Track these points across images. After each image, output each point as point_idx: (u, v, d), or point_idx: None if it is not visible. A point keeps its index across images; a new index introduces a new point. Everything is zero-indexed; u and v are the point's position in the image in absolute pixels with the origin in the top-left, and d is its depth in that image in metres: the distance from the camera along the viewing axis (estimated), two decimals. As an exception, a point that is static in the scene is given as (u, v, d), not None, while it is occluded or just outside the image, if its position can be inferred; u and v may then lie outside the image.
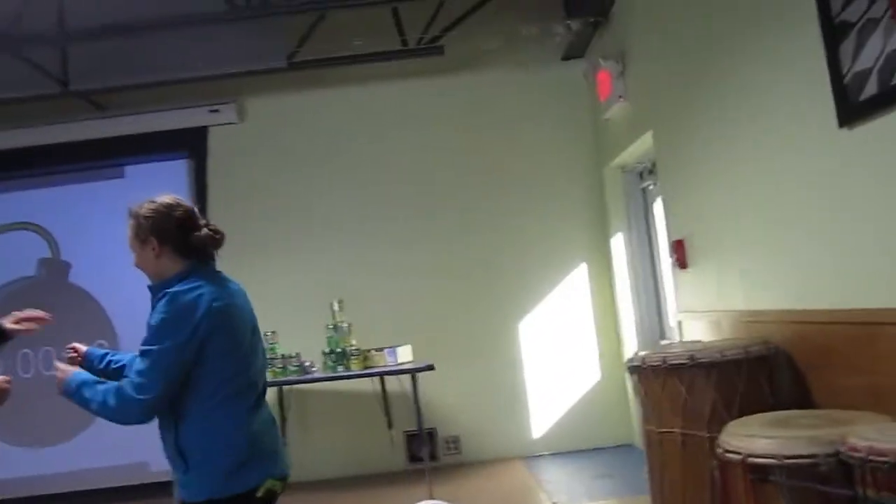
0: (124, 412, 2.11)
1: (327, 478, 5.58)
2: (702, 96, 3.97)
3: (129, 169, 6.40)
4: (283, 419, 5.57)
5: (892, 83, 2.40)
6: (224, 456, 2.11)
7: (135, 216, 2.26)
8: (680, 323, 4.67)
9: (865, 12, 2.50)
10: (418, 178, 6.23)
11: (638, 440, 5.31)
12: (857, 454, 2.08)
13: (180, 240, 2.22)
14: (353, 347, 5.12)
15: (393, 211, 6.20)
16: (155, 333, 2.10)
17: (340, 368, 5.08)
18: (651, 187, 5.60)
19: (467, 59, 6.08)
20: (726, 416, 2.92)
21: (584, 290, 6.19)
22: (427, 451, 5.00)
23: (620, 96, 5.23)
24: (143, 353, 2.11)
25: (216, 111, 6.24)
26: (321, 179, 6.24)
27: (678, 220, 4.60)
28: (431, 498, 4.04)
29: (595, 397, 6.09)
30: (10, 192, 6.43)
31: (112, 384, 2.15)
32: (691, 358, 3.09)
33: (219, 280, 2.27)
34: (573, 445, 5.99)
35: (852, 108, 2.64)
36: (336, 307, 5.23)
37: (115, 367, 2.44)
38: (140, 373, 2.09)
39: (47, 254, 6.37)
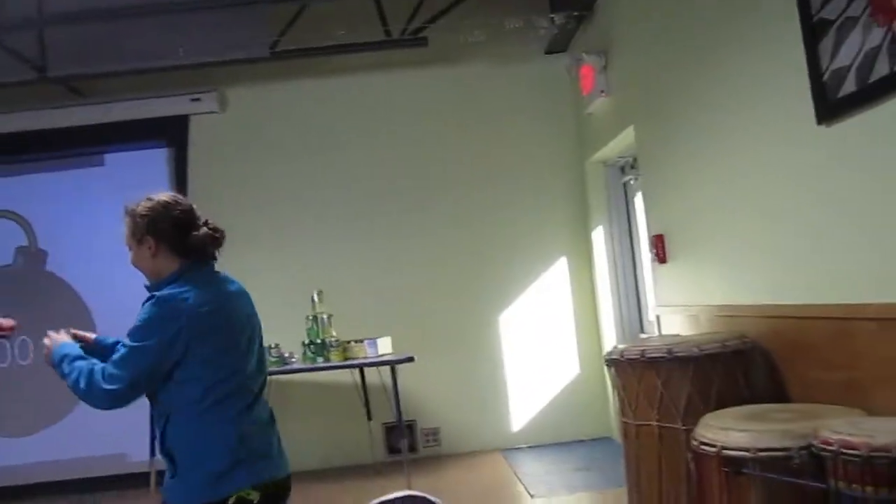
0: (91, 397, 2.10)
1: (305, 469, 5.54)
2: (683, 92, 3.99)
3: (108, 157, 6.35)
4: (262, 410, 5.54)
5: (870, 81, 2.43)
6: (207, 464, 2.08)
7: (131, 214, 2.22)
8: (658, 317, 4.71)
9: (844, 10, 2.52)
10: (399, 170, 6.22)
11: (616, 433, 5.34)
12: (829, 448, 2.11)
13: (177, 239, 2.18)
14: (333, 339, 5.11)
15: (374, 203, 6.19)
16: (136, 332, 2.09)
17: (320, 360, 5.07)
18: (632, 182, 5.62)
19: (451, 52, 6.06)
20: (702, 409, 2.95)
21: (565, 284, 6.21)
22: (406, 442, 5.00)
23: (603, 91, 5.24)
24: (123, 346, 2.11)
25: (197, 100, 6.18)
26: (302, 170, 6.21)
27: (658, 214, 4.63)
28: (409, 489, 4.04)
29: (574, 390, 6.13)
30: (-14, 179, 6.35)
31: (89, 365, 2.13)
32: (669, 352, 3.11)
33: (214, 281, 2.22)
34: (552, 438, 6.02)
35: (831, 105, 2.67)
36: (316, 298, 5.22)
37: None
38: (114, 363, 2.09)
39: (24, 242, 6.30)
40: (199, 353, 2.08)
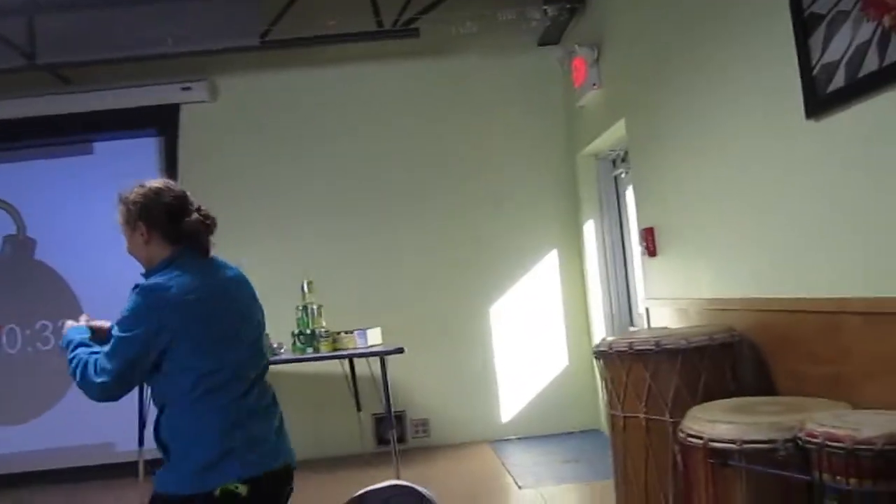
0: (84, 388, 2.11)
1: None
2: (673, 85, 3.99)
3: (97, 145, 6.31)
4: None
5: (860, 76, 2.43)
6: (196, 454, 2.06)
7: (124, 202, 2.21)
8: (648, 310, 4.72)
9: (835, 5, 2.52)
10: (390, 161, 6.21)
11: (605, 425, 5.36)
12: (814, 440, 2.13)
13: (170, 226, 2.17)
14: (323, 329, 5.10)
15: (365, 193, 6.18)
16: (122, 322, 2.08)
17: (309, 350, 5.06)
18: (623, 175, 5.63)
19: (443, 43, 6.04)
20: (690, 401, 2.96)
21: (555, 276, 6.23)
22: (395, 433, 5.01)
23: (594, 84, 5.24)
24: (111, 338, 2.10)
25: (188, 89, 6.14)
26: (293, 160, 6.20)
27: (648, 208, 4.64)
28: (398, 480, 4.05)
29: (563, 383, 6.15)
30: (-26, 167, 6.31)
31: (87, 355, 2.13)
32: (657, 344, 3.12)
33: (207, 268, 2.19)
34: (541, 430, 6.04)
35: (820, 99, 2.67)
36: (306, 288, 5.20)
37: None
38: (105, 354, 2.09)
39: (12, 230, 6.26)
40: (186, 342, 2.06)
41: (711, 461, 2.42)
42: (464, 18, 5.57)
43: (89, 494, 5.56)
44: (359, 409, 5.78)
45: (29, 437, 5.96)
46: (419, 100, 6.25)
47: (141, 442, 4.98)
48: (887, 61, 2.29)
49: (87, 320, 2.40)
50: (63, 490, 5.67)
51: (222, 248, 2.32)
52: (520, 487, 4.74)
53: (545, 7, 5.56)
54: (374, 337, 5.15)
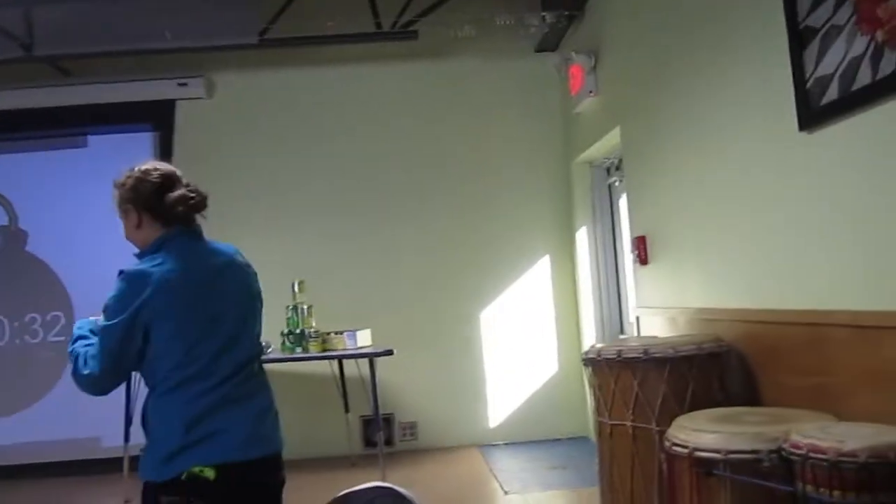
0: (77, 381, 2.10)
1: (281, 459, 5.54)
2: (669, 95, 4.00)
3: (92, 139, 6.30)
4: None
5: (853, 89, 2.44)
6: (162, 443, 2.04)
7: (115, 186, 2.19)
8: (638, 318, 4.72)
9: (830, 18, 2.53)
10: (385, 162, 6.21)
11: (593, 433, 5.36)
12: (798, 451, 2.13)
13: (158, 206, 2.13)
14: (313, 329, 5.09)
15: (359, 194, 6.18)
16: (106, 310, 2.06)
17: (298, 350, 5.06)
18: (617, 183, 5.64)
19: (441, 46, 6.05)
20: (677, 410, 2.96)
21: (547, 282, 6.23)
22: (382, 436, 5.00)
23: (591, 91, 5.25)
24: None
25: (184, 85, 6.13)
26: (288, 159, 6.19)
27: (641, 216, 4.64)
28: (384, 482, 4.04)
29: (553, 389, 6.15)
30: (-32, 156, 6.29)
31: (83, 347, 2.11)
32: (645, 352, 3.12)
33: (195, 252, 2.15)
34: (529, 436, 6.03)
35: (813, 112, 2.68)
36: (297, 288, 5.20)
37: None
38: (94, 345, 2.08)
39: (4, 222, 6.24)
40: (165, 326, 2.03)
41: (696, 470, 2.42)
42: (462, 22, 5.58)
43: (73, 489, 5.53)
44: (347, 411, 5.77)
45: (14, 429, 5.93)
46: (416, 102, 6.26)
47: (127, 438, 4.96)
48: (880, 75, 2.30)
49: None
50: (47, 484, 5.64)
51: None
52: (506, 493, 4.73)
53: (544, 13, 5.57)
54: (364, 339, 5.16)
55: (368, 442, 5.94)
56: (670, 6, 3.95)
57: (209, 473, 2.00)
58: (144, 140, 6.24)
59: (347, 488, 2.08)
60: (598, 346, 3.45)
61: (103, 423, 5.46)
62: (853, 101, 2.45)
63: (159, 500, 2.02)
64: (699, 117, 3.65)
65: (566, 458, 5.45)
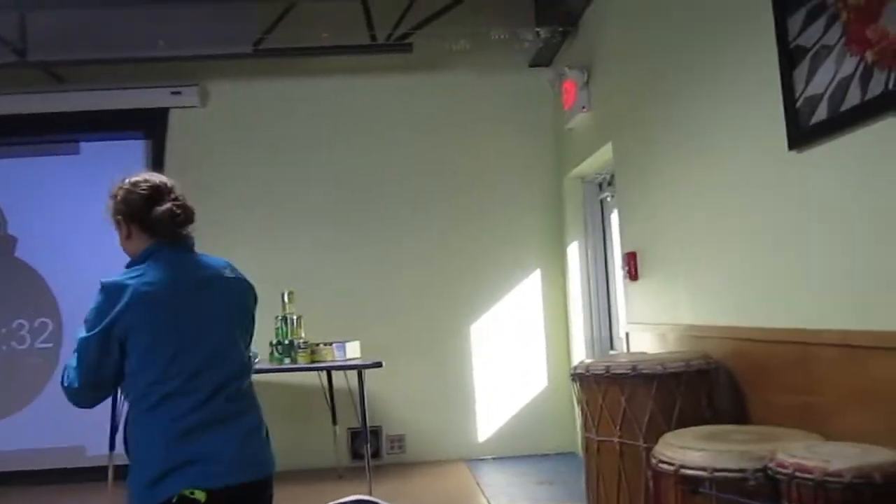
0: (65, 393, 2.05)
1: (268, 470, 5.50)
2: (660, 111, 4.02)
3: (84, 145, 6.27)
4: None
5: (842, 109, 2.46)
6: (145, 467, 1.99)
7: (109, 197, 2.17)
8: (628, 334, 4.72)
9: (820, 38, 2.55)
10: (377, 174, 6.21)
11: (580, 448, 5.35)
12: (784, 470, 2.13)
13: (146, 218, 2.11)
14: (302, 340, 5.07)
15: (352, 205, 6.17)
16: (85, 322, 2.02)
17: (287, 360, 5.03)
18: (609, 198, 5.65)
19: (435, 59, 6.07)
20: (664, 427, 2.96)
21: (537, 297, 6.22)
22: (369, 448, 4.98)
23: (584, 107, 5.27)
24: None
25: (178, 93, 6.13)
26: (280, 169, 6.18)
27: (632, 232, 4.65)
28: (370, 495, 4.01)
29: (541, 404, 6.13)
30: (-42, 161, 6.26)
31: (72, 360, 2.06)
32: (633, 368, 3.12)
33: (181, 265, 2.11)
34: (517, 451, 6.01)
35: (803, 131, 2.70)
36: (286, 298, 5.18)
37: None
38: (73, 358, 2.04)
39: (-7, 227, 6.21)
40: (141, 339, 1.99)
41: (682, 488, 2.42)
42: (457, 36, 5.61)
43: (57, 498, 5.48)
44: (335, 423, 5.73)
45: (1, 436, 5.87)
46: (411, 114, 6.26)
47: (112, 446, 4.91)
48: (869, 96, 2.31)
49: None
50: (31, 493, 5.58)
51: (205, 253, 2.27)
52: (493, 507, 4.72)
53: (538, 29, 5.60)
54: (353, 350, 5.13)
55: (356, 454, 5.91)
56: (663, 24, 3.98)
57: (200, 496, 1.96)
58: (137, 148, 6.23)
59: (333, 500, 2.06)
60: (587, 361, 3.45)
61: (88, 431, 5.41)
62: (842, 122, 2.46)
63: None
64: (690, 134, 3.67)
65: (553, 473, 5.43)
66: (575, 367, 3.47)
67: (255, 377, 2.32)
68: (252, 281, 2.33)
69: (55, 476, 5.76)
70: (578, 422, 5.66)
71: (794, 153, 2.75)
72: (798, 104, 2.69)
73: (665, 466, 2.49)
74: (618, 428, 3.15)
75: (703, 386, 3.16)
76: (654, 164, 4.16)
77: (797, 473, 2.08)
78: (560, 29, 5.52)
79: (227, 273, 2.22)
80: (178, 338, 2.03)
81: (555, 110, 6.10)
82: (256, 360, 5.03)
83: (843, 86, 2.43)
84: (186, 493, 1.95)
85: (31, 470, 5.80)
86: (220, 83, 6.22)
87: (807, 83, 2.64)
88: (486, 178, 6.23)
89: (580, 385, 3.39)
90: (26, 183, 6.16)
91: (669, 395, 3.07)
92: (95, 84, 6.03)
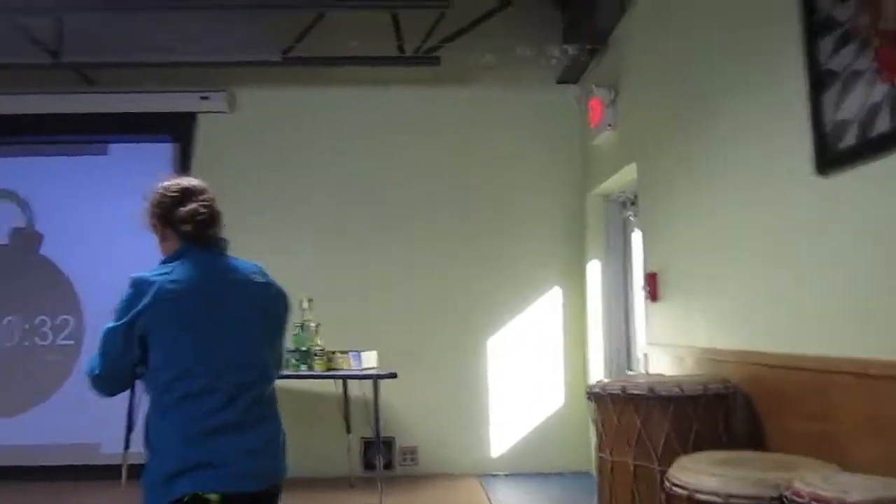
0: (89, 383, 2.10)
1: (280, 477, 5.49)
2: (685, 132, 3.99)
3: (113, 147, 6.36)
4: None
5: (871, 136, 2.43)
6: (159, 466, 2.01)
7: (144, 201, 2.23)
8: (646, 355, 4.68)
9: (851, 63, 2.52)
10: (401, 185, 6.23)
11: (594, 468, 5.30)
12: (800, 500, 2.09)
13: (176, 221, 2.16)
14: (318, 347, 5.08)
15: (372, 216, 6.19)
16: (113, 314, 2.06)
17: (303, 368, 5.04)
18: (632, 218, 5.62)
19: (462, 73, 6.09)
20: (679, 450, 2.92)
21: (556, 314, 6.19)
22: (381, 460, 4.96)
23: (610, 125, 5.25)
24: None
25: (207, 98, 6.20)
26: (305, 177, 6.22)
27: (654, 252, 4.62)
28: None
29: (557, 422, 6.08)
30: (-9, 157, 6.37)
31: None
32: (650, 390, 3.09)
33: (209, 266, 2.14)
34: (531, 468, 5.96)
35: (831, 156, 2.66)
36: (305, 305, 5.19)
37: None
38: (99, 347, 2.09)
39: (21, 223, 6.29)
40: (162, 337, 2.02)
41: (695, 512, 2.38)
42: (485, 50, 5.62)
43: (70, 494, 5.51)
44: (348, 432, 5.73)
45: (16, 431, 5.93)
46: (434, 127, 6.28)
47: (127, 445, 4.94)
48: (898, 123, 2.29)
49: None
50: (45, 488, 5.61)
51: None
52: (503, 524, 4.68)
53: (566, 46, 5.60)
54: (370, 360, 5.13)
55: (368, 464, 5.90)
56: (692, 45, 3.96)
57: (214, 498, 1.98)
58: (164, 150, 6.30)
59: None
60: (604, 380, 3.43)
61: (104, 429, 5.45)
62: (871, 148, 2.43)
63: None
64: (715, 157, 3.64)
65: (566, 492, 5.39)
66: (591, 386, 3.45)
67: (272, 381, 2.32)
68: (274, 286, 2.33)
69: (70, 472, 5.79)
70: (593, 441, 5.63)
71: (820, 178, 2.72)
72: (826, 128, 2.67)
73: (679, 490, 2.46)
74: (632, 449, 3.12)
75: (720, 410, 3.13)
76: (678, 184, 4.13)
77: (813, 503, 2.04)
78: (588, 47, 5.52)
79: (257, 278, 2.24)
80: (201, 338, 2.06)
81: (580, 127, 6.09)
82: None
83: (873, 112, 2.40)
84: (200, 494, 1.97)
85: (47, 465, 5.83)
86: (249, 89, 6.28)
87: (836, 108, 2.61)
88: (509, 194, 6.23)
89: (596, 404, 3.36)
90: (55, 181, 6.25)
91: (686, 419, 3.04)
92: (125, 87, 6.13)
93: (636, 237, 5.37)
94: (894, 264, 2.34)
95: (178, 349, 2.03)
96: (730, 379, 3.23)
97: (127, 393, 4.92)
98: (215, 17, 5.55)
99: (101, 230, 6.02)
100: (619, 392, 3.19)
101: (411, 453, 6.04)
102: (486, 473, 5.96)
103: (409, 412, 5.99)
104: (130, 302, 2.03)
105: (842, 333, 2.58)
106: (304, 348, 5.08)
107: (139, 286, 2.04)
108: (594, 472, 5.34)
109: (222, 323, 2.09)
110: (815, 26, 2.73)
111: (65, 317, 6.15)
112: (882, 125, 2.36)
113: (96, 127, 6.24)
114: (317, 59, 5.84)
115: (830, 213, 2.68)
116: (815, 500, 2.04)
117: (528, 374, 6.13)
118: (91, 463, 5.81)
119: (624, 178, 5.27)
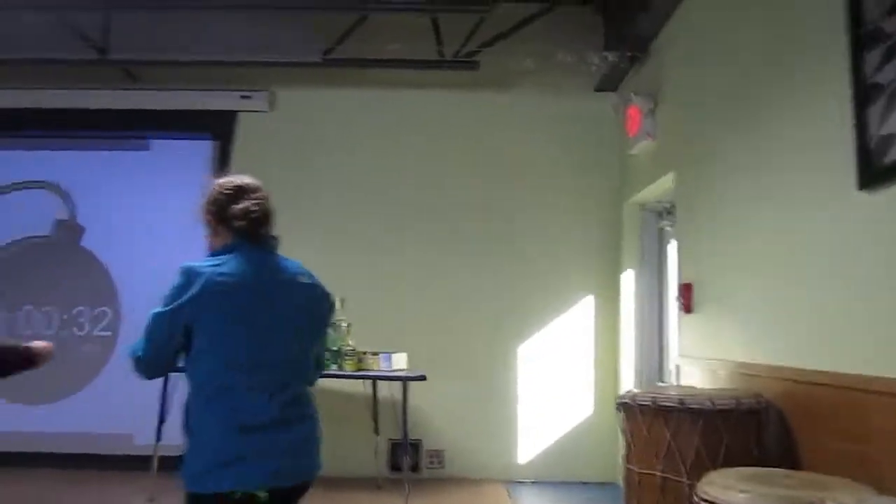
0: (132, 365, 2.15)
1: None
2: (725, 143, 3.95)
3: (154, 143, 6.47)
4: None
5: (917, 151, 2.38)
6: (199, 456, 2.05)
7: (200, 197, 2.29)
8: (678, 367, 4.63)
9: (897, 77, 2.47)
10: (437, 189, 6.24)
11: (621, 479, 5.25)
12: (831, 520, 2.05)
13: (229, 217, 2.22)
14: (349, 347, 5.10)
15: (408, 219, 6.21)
16: (162, 300, 2.11)
17: (333, 367, 5.06)
18: (668, 228, 5.56)
19: (501, 78, 6.09)
20: (709, 465, 2.89)
21: (589, 323, 6.15)
22: (408, 461, 4.97)
23: (648, 134, 5.20)
24: None
25: (248, 97, 6.29)
26: (342, 176, 6.26)
27: (689, 264, 4.57)
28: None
29: (586, 431, 6.04)
30: (36, 150, 6.49)
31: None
32: (681, 402, 3.06)
33: (258, 263, 2.18)
34: (557, 476, 5.93)
35: (875, 171, 2.61)
36: (338, 305, 5.21)
37: None
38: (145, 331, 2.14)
39: (63, 216, 6.43)
40: (207, 327, 2.06)
41: (723, 529, 2.35)
42: (524, 56, 5.61)
43: (101, 483, 5.60)
44: (377, 433, 5.74)
45: (50, 419, 6.05)
46: (471, 131, 6.28)
47: (159, 437, 5.01)
48: (945, 139, 2.23)
49: None
50: (77, 476, 5.71)
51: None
52: (528, 532, 4.65)
53: (606, 53, 5.56)
54: (399, 362, 5.14)
55: (395, 466, 5.91)
56: (733, 56, 3.92)
57: (262, 496, 2.03)
58: (204, 148, 6.38)
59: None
60: (634, 391, 3.40)
61: (137, 420, 5.54)
62: (917, 164, 2.38)
63: None
64: (754, 169, 3.59)
65: (592, 502, 5.35)
66: (621, 397, 3.42)
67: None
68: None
69: (102, 462, 5.89)
70: (621, 452, 5.58)
71: (863, 193, 2.67)
72: (871, 143, 2.62)
73: (707, 505, 2.42)
74: (661, 461, 3.09)
75: (752, 425, 3.08)
76: (715, 196, 4.08)
77: (844, 525, 2.00)
78: (629, 54, 5.47)
79: (304, 279, 2.28)
80: (245, 332, 2.10)
81: (618, 135, 6.04)
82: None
83: (919, 127, 2.35)
84: (238, 492, 2.01)
85: (79, 453, 5.94)
86: (289, 90, 6.35)
87: (882, 122, 2.56)
88: (545, 199, 6.20)
89: (625, 415, 3.34)
90: (98, 175, 6.38)
91: (716, 433, 3.00)
92: (168, 84, 6.24)
93: (671, 248, 5.32)
94: (937, 283, 2.28)
95: (228, 341, 2.08)
96: (763, 394, 3.18)
97: (160, 385, 5.04)
98: (258, 17, 5.61)
99: (141, 224, 6.13)
100: (650, 403, 3.16)
101: (438, 456, 6.04)
102: (513, 480, 5.94)
103: (437, 415, 5.99)
104: (179, 290, 2.08)
105: (880, 353, 2.53)
106: (335, 348, 5.10)
107: (188, 275, 2.09)
108: (621, 483, 5.30)
109: (272, 320, 2.14)
110: (861, 38, 2.68)
111: (103, 308, 6.27)
112: (928, 141, 2.31)
113: (139, 123, 6.35)
114: (357, 60, 5.88)
115: (873, 229, 2.63)
116: (848, 521, 2.01)
117: (558, 381, 6.10)
118: (123, 453, 5.90)
119: (661, 187, 5.22)
